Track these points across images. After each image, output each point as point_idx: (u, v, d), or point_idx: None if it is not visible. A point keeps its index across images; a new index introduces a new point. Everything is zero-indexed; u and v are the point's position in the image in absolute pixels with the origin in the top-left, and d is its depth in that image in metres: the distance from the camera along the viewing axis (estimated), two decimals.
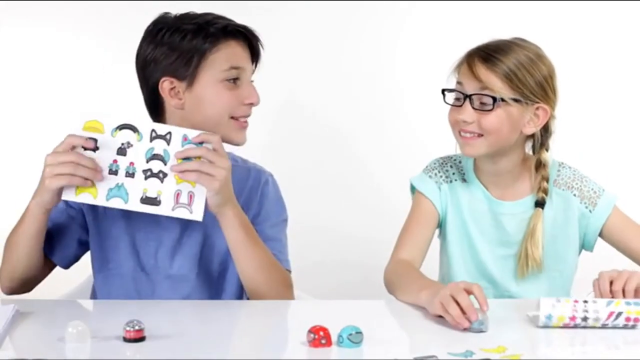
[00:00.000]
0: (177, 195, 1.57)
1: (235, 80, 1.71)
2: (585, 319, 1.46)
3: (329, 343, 1.32)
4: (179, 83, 1.69)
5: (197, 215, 1.58)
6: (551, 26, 2.58)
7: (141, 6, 2.54)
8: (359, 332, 1.32)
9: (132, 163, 1.56)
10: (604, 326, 1.46)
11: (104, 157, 1.55)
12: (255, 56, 1.76)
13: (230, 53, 1.70)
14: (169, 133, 1.58)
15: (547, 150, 1.79)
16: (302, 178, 2.60)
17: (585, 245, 1.83)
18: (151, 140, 1.57)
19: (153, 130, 1.58)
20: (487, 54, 1.71)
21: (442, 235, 1.87)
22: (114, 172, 1.55)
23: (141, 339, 1.33)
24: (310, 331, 1.32)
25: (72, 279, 1.89)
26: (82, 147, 1.54)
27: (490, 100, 1.69)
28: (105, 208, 1.68)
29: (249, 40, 1.74)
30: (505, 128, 1.72)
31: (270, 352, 1.37)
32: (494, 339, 1.38)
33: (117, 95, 2.62)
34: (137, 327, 1.32)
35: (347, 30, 2.68)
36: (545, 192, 1.78)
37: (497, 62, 1.69)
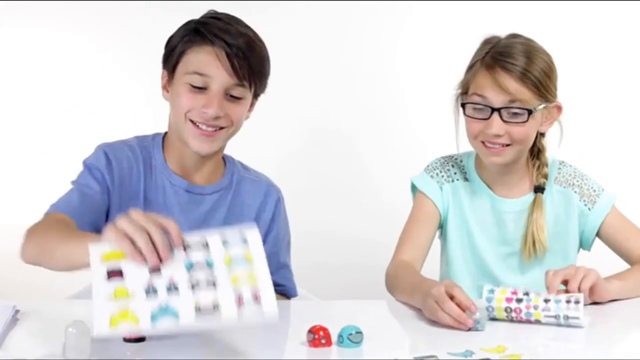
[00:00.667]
0: (239, 299, 1.22)
1: (200, 87, 1.64)
2: (527, 293, 1.48)
3: (329, 343, 1.31)
4: (168, 76, 1.71)
5: (272, 313, 1.21)
6: (551, 26, 2.58)
7: (141, 6, 2.56)
8: (359, 332, 1.32)
9: (171, 280, 1.23)
10: (546, 301, 1.46)
11: (136, 281, 1.22)
12: (237, 72, 1.63)
13: (199, 58, 1.65)
14: (205, 242, 1.27)
15: (543, 135, 1.80)
16: (302, 179, 2.60)
17: (582, 244, 1.84)
18: (185, 250, 1.26)
19: (182, 239, 1.26)
20: (512, 64, 1.67)
21: (443, 236, 1.87)
22: (153, 292, 1.22)
23: (141, 339, 1.32)
24: (310, 331, 1.32)
25: (72, 279, 1.89)
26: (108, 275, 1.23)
27: (523, 112, 1.67)
28: (120, 208, 1.61)
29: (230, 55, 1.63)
30: (533, 134, 1.73)
31: (270, 352, 1.37)
32: (494, 338, 1.38)
33: (117, 95, 2.63)
34: None
35: (347, 30, 2.68)
36: (545, 176, 1.79)
37: (524, 72, 1.66)
